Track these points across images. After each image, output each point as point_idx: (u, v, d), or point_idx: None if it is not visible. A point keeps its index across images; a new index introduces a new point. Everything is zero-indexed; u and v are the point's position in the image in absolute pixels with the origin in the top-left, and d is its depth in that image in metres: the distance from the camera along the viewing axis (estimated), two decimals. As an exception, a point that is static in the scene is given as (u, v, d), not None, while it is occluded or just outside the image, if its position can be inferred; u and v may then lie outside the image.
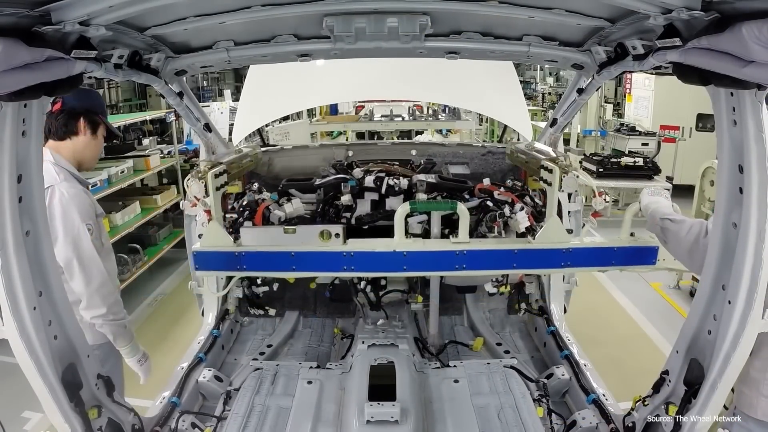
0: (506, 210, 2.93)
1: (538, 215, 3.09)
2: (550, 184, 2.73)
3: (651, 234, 2.60)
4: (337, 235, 2.65)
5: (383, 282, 3.62)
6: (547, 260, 2.71)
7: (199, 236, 2.88)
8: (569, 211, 3.52)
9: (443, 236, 2.86)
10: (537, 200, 3.28)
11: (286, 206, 3.07)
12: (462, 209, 2.70)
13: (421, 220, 2.96)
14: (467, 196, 3.17)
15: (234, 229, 2.99)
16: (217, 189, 2.74)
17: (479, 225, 2.98)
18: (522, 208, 2.94)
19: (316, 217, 3.15)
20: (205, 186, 2.70)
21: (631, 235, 2.74)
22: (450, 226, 2.90)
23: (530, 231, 2.83)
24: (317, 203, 3.23)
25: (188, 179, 2.74)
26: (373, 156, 4.00)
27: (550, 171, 2.70)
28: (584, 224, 2.92)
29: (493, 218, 2.89)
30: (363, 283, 3.55)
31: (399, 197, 3.17)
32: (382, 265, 2.71)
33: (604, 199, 2.85)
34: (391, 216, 2.79)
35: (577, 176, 2.81)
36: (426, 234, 2.93)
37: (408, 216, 2.79)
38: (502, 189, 3.16)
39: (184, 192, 2.79)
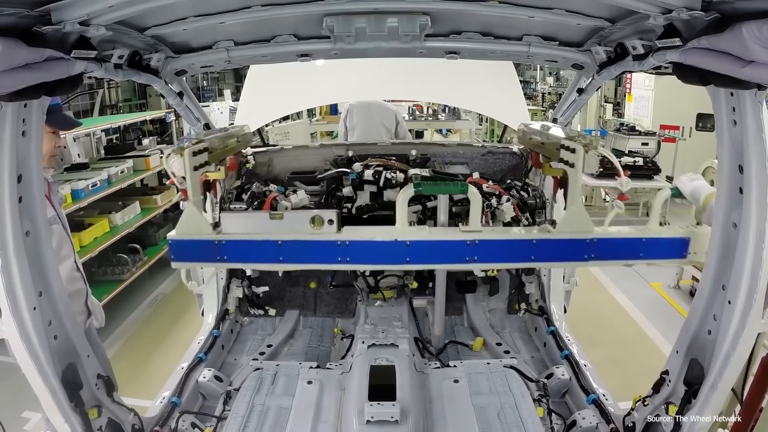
0: (493, 201, 3.04)
1: (523, 206, 3.21)
2: (572, 166, 2.44)
3: (682, 223, 2.49)
4: (330, 221, 2.40)
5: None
6: (569, 252, 2.45)
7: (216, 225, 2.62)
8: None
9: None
10: (522, 193, 3.40)
11: (291, 197, 3.20)
12: (474, 192, 2.47)
13: (416, 209, 2.96)
14: None
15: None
16: (195, 168, 2.48)
17: (468, 215, 3.07)
18: (508, 200, 3.07)
19: (320, 208, 3.28)
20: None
21: (661, 224, 2.50)
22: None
23: (516, 221, 2.93)
24: (320, 195, 3.41)
25: (167, 155, 2.49)
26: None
27: (573, 151, 2.41)
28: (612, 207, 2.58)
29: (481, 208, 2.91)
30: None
31: (396, 189, 3.29)
32: (382, 256, 2.46)
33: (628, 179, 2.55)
34: (390, 206, 2.84)
35: (600, 156, 2.51)
36: (422, 223, 2.93)
37: (410, 202, 2.62)
38: (490, 182, 3.31)
39: (177, 188, 2.63)
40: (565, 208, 2.81)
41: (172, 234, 2.47)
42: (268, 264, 2.52)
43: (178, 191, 2.53)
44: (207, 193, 2.91)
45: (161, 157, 2.53)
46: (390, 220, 2.71)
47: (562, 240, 2.43)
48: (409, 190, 2.49)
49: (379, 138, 5.63)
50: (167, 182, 2.74)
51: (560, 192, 2.98)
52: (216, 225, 2.49)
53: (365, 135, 5.82)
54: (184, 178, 2.43)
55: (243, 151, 3.83)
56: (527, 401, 2.68)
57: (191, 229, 2.43)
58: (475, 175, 3.41)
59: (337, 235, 2.41)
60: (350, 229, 2.47)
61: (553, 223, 2.52)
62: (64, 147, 5.62)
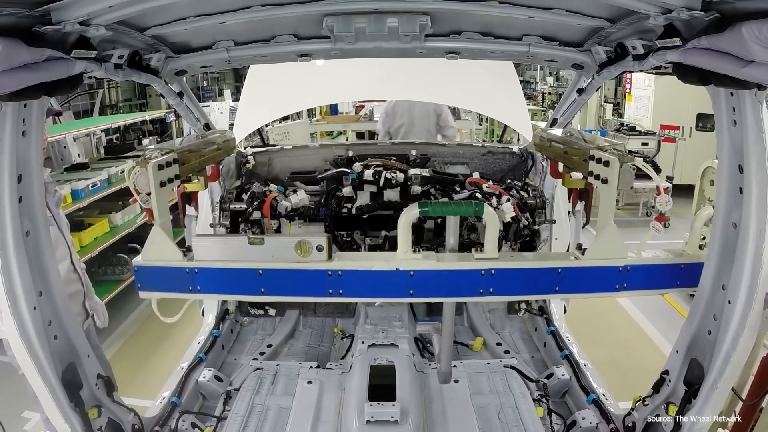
0: (493, 201, 3.04)
1: (523, 207, 3.23)
2: (605, 181, 2.14)
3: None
4: (319, 248, 2.05)
5: None
6: (599, 282, 2.16)
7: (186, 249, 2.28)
8: (569, 211, 3.48)
9: (433, 242, 2.66)
10: (522, 193, 3.41)
11: (291, 197, 3.23)
12: (490, 213, 2.15)
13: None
14: (458, 189, 3.34)
15: (244, 219, 3.08)
16: (163, 184, 2.22)
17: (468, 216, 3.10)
18: (508, 200, 3.08)
19: (320, 208, 3.32)
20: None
21: (701, 247, 2.23)
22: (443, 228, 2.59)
23: (516, 221, 2.93)
24: (320, 195, 3.42)
25: (129, 169, 2.21)
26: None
27: (606, 164, 2.12)
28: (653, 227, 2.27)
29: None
30: None
31: (396, 189, 3.33)
32: (381, 288, 2.13)
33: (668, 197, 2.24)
34: (390, 206, 2.81)
35: (635, 168, 2.15)
36: (420, 231, 2.89)
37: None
38: (489, 182, 3.33)
39: (141, 208, 2.33)
40: (585, 224, 2.72)
41: (138, 260, 2.22)
42: (247, 296, 2.23)
43: (142, 211, 2.21)
44: (186, 206, 2.65)
45: (123, 171, 2.21)
46: (390, 220, 2.68)
47: (591, 268, 2.15)
48: (412, 212, 2.15)
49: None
50: (130, 201, 2.46)
51: (579, 205, 2.72)
52: (188, 250, 2.25)
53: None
54: (149, 194, 2.17)
55: (242, 150, 3.83)
56: (527, 401, 2.68)
57: (159, 255, 2.18)
58: (475, 175, 3.43)
59: (328, 263, 2.09)
60: (343, 257, 2.18)
61: (579, 247, 2.26)
62: (51, 145, 5.60)
